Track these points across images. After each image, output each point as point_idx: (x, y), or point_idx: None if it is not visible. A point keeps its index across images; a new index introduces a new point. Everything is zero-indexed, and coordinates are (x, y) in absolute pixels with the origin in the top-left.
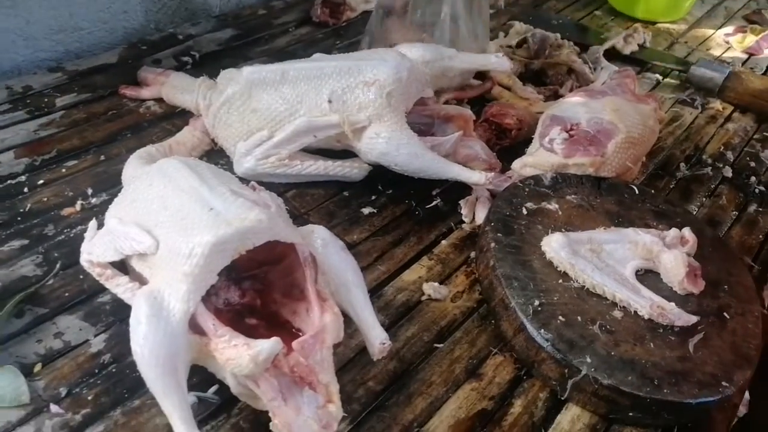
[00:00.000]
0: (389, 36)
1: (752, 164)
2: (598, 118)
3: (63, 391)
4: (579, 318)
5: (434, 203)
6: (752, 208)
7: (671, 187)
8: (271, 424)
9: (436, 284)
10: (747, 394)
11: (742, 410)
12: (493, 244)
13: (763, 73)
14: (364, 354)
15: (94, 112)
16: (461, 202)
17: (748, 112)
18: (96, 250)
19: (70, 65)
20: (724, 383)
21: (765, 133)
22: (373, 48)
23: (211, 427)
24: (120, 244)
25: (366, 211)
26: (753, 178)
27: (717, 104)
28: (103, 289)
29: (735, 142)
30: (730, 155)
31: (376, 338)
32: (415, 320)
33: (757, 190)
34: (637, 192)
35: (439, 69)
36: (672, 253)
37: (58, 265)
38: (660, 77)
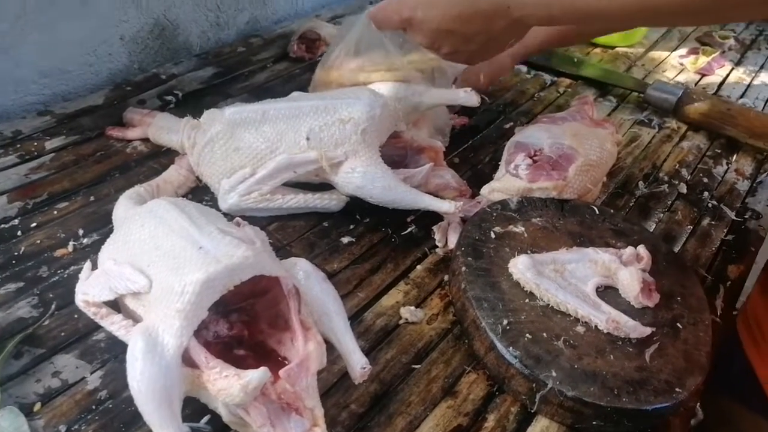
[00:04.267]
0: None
1: (705, 180)
2: (560, 144)
3: (62, 428)
4: (545, 334)
5: (409, 230)
6: (705, 221)
7: (631, 204)
8: None
9: (413, 308)
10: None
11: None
12: (464, 268)
13: (715, 93)
14: (347, 378)
15: (83, 154)
16: (434, 228)
17: (700, 130)
18: (91, 290)
19: (58, 108)
20: (677, 389)
21: (716, 150)
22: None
23: None
24: (115, 283)
25: (345, 240)
26: (706, 194)
27: (672, 123)
28: (97, 328)
29: (689, 160)
30: (685, 172)
31: (357, 363)
32: (394, 343)
33: (709, 205)
34: (597, 212)
35: (410, 104)
36: (628, 270)
37: (53, 306)
38: (617, 100)
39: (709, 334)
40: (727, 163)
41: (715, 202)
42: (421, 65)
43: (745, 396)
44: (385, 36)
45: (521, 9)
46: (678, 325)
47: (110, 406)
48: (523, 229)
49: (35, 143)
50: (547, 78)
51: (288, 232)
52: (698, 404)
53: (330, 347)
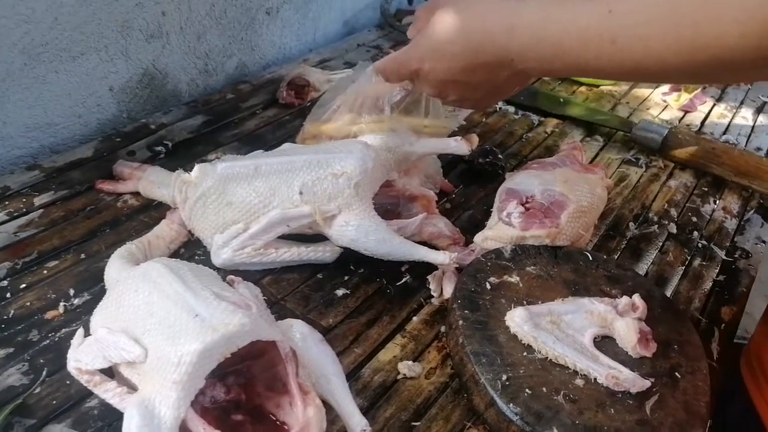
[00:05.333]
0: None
1: (694, 219)
2: (551, 190)
3: None
4: (544, 389)
5: (404, 280)
6: (696, 262)
7: (623, 246)
8: None
9: (410, 362)
10: None
11: None
12: (461, 322)
13: (698, 130)
14: None
15: (72, 209)
16: (429, 278)
17: (687, 168)
18: (84, 357)
19: (47, 161)
20: None
21: (703, 188)
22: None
23: None
24: (109, 352)
25: (340, 292)
26: (695, 233)
27: (659, 162)
28: (89, 394)
29: (677, 199)
30: (673, 212)
31: (357, 425)
32: (393, 400)
33: (699, 245)
34: (590, 258)
35: (401, 154)
36: (624, 321)
37: (44, 372)
38: (604, 139)
39: (707, 383)
40: (715, 201)
41: (704, 242)
42: (416, 128)
43: None
44: (384, 96)
45: (524, 62)
46: (676, 374)
47: None
48: (518, 278)
49: (24, 199)
50: (535, 118)
51: (282, 285)
52: None
53: (329, 408)
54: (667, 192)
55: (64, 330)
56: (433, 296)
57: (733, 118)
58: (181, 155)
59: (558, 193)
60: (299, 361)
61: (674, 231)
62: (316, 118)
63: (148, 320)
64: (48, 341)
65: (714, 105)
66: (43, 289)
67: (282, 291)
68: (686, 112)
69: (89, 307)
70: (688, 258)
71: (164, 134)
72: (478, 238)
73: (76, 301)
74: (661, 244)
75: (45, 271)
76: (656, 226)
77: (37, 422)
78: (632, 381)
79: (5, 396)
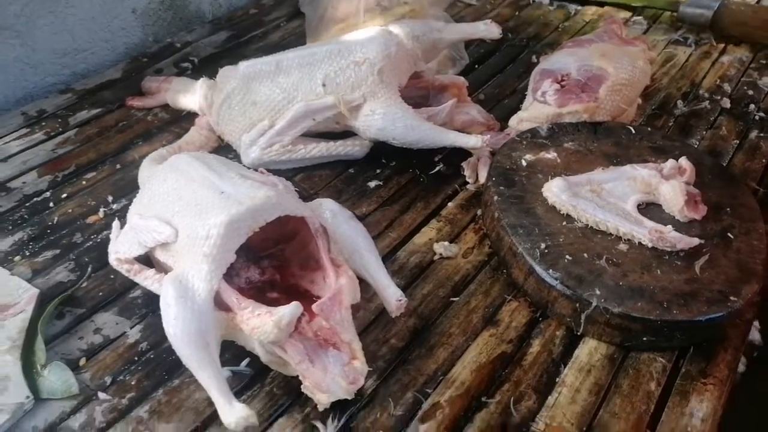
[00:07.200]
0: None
1: (750, 92)
2: (588, 65)
3: (108, 379)
4: (585, 255)
5: (437, 169)
6: (753, 134)
7: (670, 125)
8: (302, 386)
9: (447, 243)
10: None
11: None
12: (496, 197)
13: (756, 2)
14: (384, 314)
15: (106, 126)
16: (463, 164)
17: (742, 44)
18: (122, 247)
19: (78, 85)
20: (732, 298)
21: (761, 62)
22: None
23: (247, 397)
24: (143, 237)
25: (372, 184)
26: (752, 106)
27: (711, 39)
28: (133, 285)
29: (731, 74)
30: (727, 87)
31: (392, 296)
32: (430, 279)
33: (757, 117)
34: (633, 131)
35: (429, 42)
36: (670, 184)
37: (89, 269)
38: (649, 22)
39: (764, 242)
40: None
41: (762, 114)
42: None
43: None
44: None
45: None
46: (729, 235)
47: (152, 356)
48: (555, 154)
49: (59, 120)
50: (572, 7)
51: (314, 181)
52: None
53: (365, 286)
54: (720, 68)
55: (105, 232)
56: (468, 182)
57: None
58: (207, 69)
59: (595, 68)
60: (330, 237)
61: (728, 106)
62: (315, 30)
63: (177, 203)
64: (91, 242)
65: None
66: (83, 198)
67: (314, 186)
68: None
69: (127, 211)
70: (744, 131)
71: (190, 51)
72: (513, 120)
73: (114, 206)
74: (713, 119)
75: (84, 182)
76: (707, 102)
77: (86, 311)
78: (678, 237)
79: (55, 290)
